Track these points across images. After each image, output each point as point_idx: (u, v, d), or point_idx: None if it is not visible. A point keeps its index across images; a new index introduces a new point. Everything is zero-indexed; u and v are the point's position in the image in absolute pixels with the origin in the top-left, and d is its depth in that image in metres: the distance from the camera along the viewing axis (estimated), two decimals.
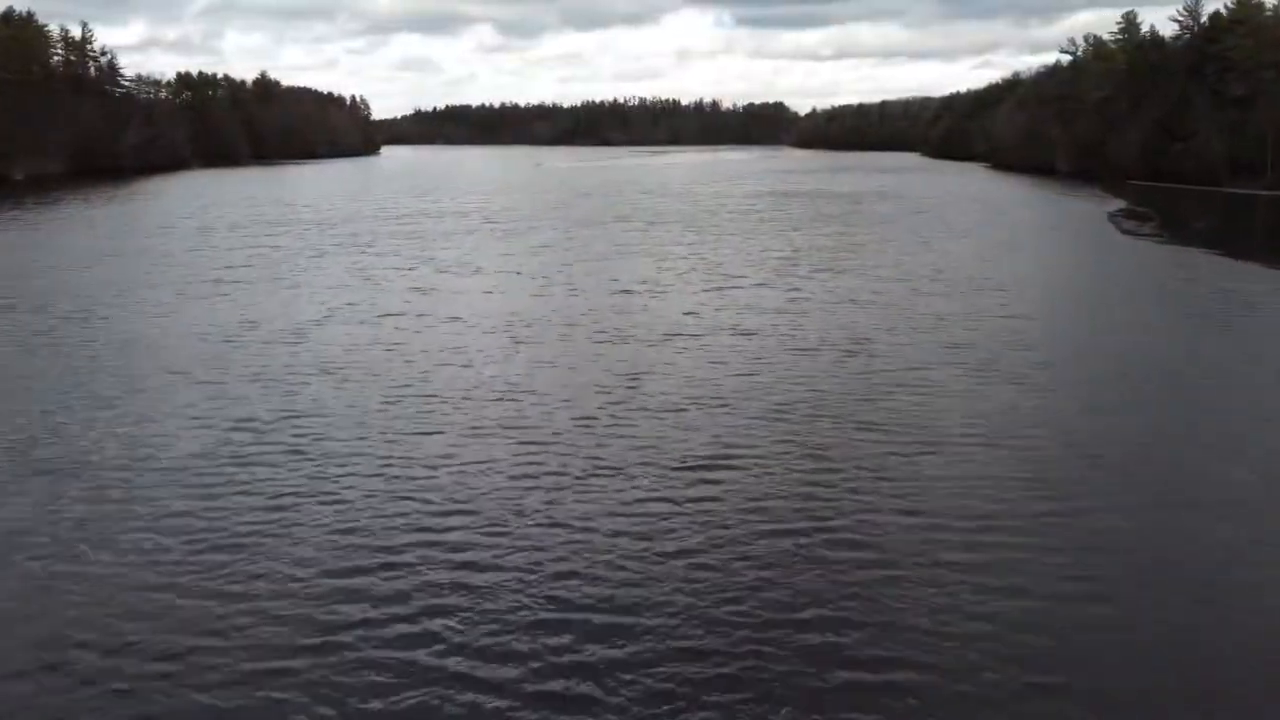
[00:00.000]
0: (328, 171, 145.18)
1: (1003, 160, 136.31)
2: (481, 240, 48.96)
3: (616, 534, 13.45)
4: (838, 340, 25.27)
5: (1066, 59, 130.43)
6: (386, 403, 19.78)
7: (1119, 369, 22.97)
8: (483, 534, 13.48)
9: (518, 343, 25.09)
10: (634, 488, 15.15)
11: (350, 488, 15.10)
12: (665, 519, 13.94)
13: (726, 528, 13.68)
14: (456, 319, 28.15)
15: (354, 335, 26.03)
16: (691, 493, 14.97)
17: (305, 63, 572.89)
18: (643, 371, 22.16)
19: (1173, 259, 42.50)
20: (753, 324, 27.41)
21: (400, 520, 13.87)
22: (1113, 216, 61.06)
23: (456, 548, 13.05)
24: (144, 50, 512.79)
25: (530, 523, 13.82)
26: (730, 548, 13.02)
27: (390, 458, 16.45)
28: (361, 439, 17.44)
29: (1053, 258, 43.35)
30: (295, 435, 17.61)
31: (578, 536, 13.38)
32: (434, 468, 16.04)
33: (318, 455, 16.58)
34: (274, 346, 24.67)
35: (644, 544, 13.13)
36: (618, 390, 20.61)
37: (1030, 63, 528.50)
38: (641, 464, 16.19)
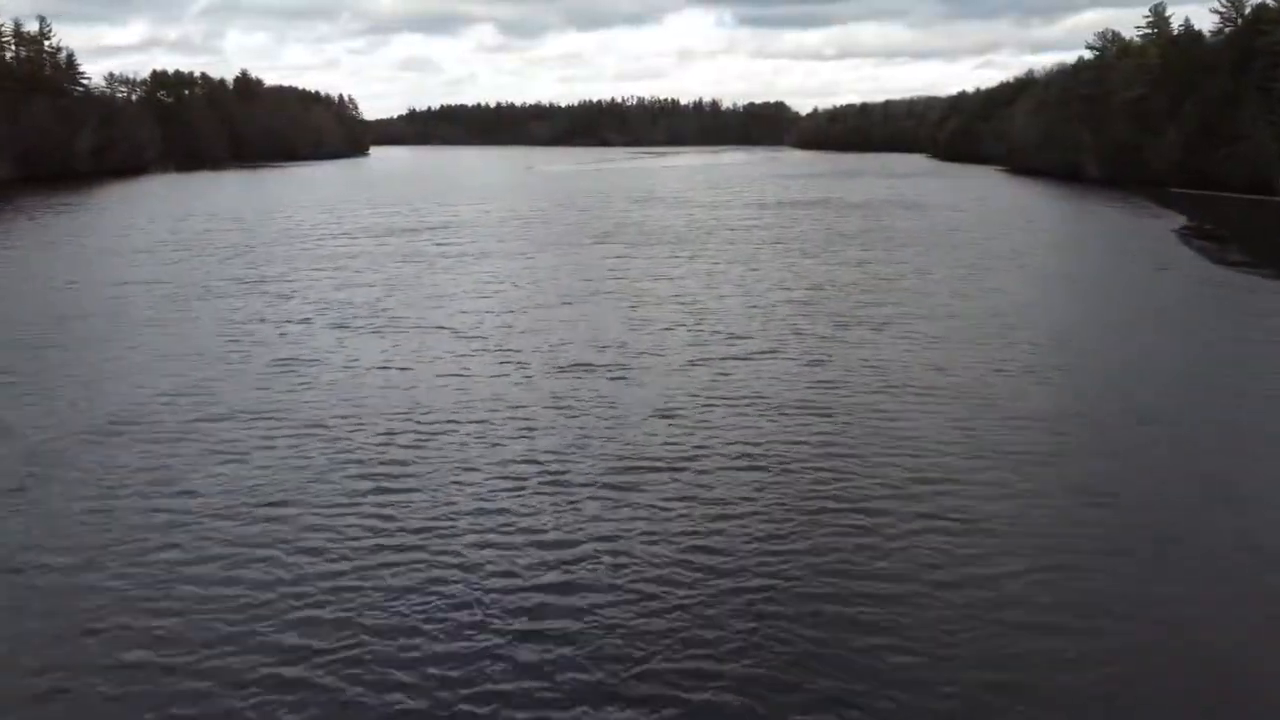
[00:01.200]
0: (301, 175, 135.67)
1: (1021, 164, 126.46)
2: (419, 271, 39.30)
3: None
4: (901, 482, 15.64)
5: (1089, 55, 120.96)
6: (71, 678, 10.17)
7: None
8: None
9: (382, 492, 15.36)
10: None
11: None
12: None
13: None
14: (312, 430, 18.48)
15: (134, 462, 16.40)
16: None
17: (307, 62, 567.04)
18: (577, 570, 12.55)
19: None
20: (761, 439, 17.79)
21: None
22: (1184, 237, 51.35)
23: None
24: (145, 50, 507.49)
25: None
26: None
27: None
28: None
29: (1145, 303, 33.22)
30: None
31: None
32: None
33: None
34: None
35: None
36: (513, 633, 10.98)
37: (1031, 62, 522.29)
38: None
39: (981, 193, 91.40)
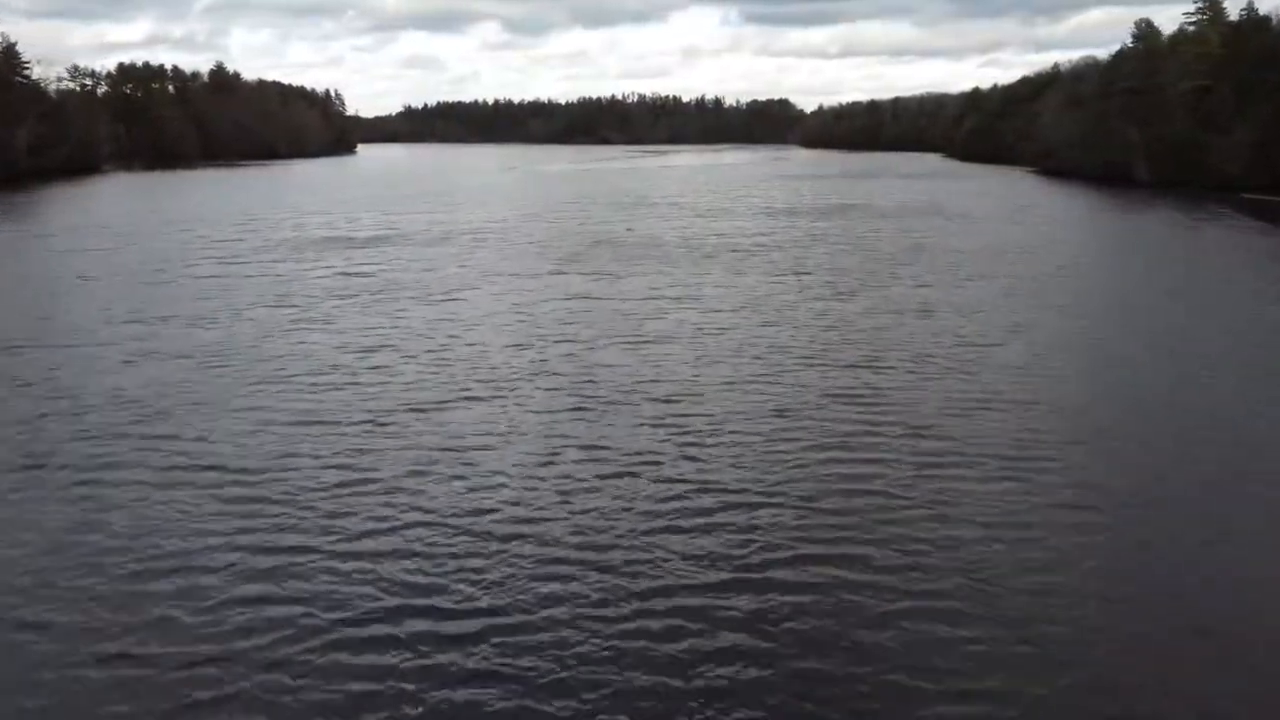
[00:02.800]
0: (266, 175, 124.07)
1: (1052, 164, 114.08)
2: (283, 322, 27.30)
3: None
4: None
5: (1130, 45, 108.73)
6: None
7: None
8: None
9: None
10: None
11: None
12: None
13: None
14: None
15: None
16: None
17: (311, 60, 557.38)
18: None
19: None
20: None
21: None
22: None
23: None
24: (149, 47, 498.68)
25: None
26: None
27: None
28: None
29: None
30: None
31: None
32: None
33: None
34: None
35: None
36: None
37: (1037, 61, 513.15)
38: None
39: (1023, 199, 79.44)
